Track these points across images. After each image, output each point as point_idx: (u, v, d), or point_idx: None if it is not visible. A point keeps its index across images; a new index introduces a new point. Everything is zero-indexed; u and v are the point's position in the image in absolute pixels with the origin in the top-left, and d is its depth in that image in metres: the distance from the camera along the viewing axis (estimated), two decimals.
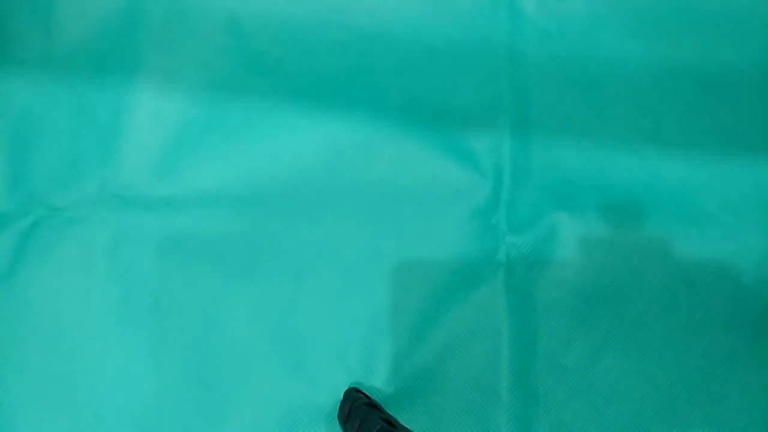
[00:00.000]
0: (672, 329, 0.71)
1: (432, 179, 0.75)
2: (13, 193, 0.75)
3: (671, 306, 0.71)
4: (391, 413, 0.66)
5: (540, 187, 0.75)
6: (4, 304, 0.72)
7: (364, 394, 0.67)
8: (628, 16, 0.79)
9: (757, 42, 0.78)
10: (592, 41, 0.78)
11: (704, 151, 0.75)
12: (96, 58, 0.78)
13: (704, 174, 0.75)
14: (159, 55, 0.78)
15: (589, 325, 0.71)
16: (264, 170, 0.75)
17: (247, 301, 0.72)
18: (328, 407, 0.69)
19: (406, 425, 0.59)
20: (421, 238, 0.73)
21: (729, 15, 0.79)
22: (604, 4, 0.79)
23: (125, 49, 0.78)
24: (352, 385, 0.69)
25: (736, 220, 0.73)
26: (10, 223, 0.74)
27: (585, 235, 0.73)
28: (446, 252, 0.73)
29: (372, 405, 0.64)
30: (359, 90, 0.77)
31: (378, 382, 0.70)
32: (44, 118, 0.77)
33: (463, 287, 0.72)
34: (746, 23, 0.79)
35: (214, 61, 0.78)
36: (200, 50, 0.79)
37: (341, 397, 0.68)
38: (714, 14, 0.79)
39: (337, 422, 0.67)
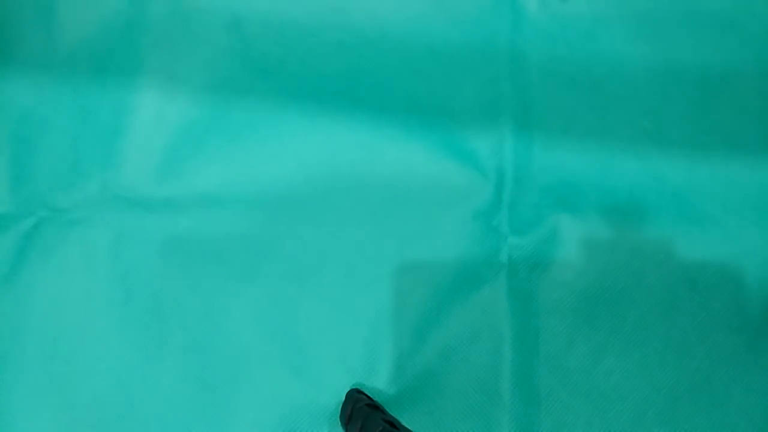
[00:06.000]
0: (674, 330, 0.71)
1: (434, 180, 0.75)
2: (14, 194, 0.75)
3: (673, 307, 0.71)
4: (393, 414, 0.66)
5: (542, 189, 0.75)
6: (5, 305, 0.72)
7: (366, 395, 0.67)
8: (630, 18, 0.79)
9: (760, 44, 0.78)
10: (594, 42, 0.78)
11: (706, 152, 0.75)
12: (98, 59, 0.78)
13: (706, 175, 0.75)
14: (161, 56, 0.78)
15: (590, 327, 0.71)
16: (266, 171, 0.75)
17: (249, 302, 0.72)
18: (330, 408, 0.69)
19: (408, 426, 0.59)
20: (423, 239, 0.73)
21: (731, 16, 0.79)
22: (606, 5, 0.79)
23: (127, 51, 0.78)
24: (354, 386, 0.69)
25: (738, 222, 0.73)
26: (12, 224, 0.74)
27: (587, 236, 0.73)
28: (448, 253, 0.73)
29: (374, 406, 0.64)
30: (361, 91, 0.77)
31: (380, 383, 0.70)
32: (46, 119, 0.77)
33: (465, 288, 0.72)
34: (748, 25, 0.79)
35: (216, 62, 0.78)
36: (202, 51, 0.79)
37: (343, 398, 0.68)
38: (716, 16, 0.79)
39: (339, 423, 0.67)
